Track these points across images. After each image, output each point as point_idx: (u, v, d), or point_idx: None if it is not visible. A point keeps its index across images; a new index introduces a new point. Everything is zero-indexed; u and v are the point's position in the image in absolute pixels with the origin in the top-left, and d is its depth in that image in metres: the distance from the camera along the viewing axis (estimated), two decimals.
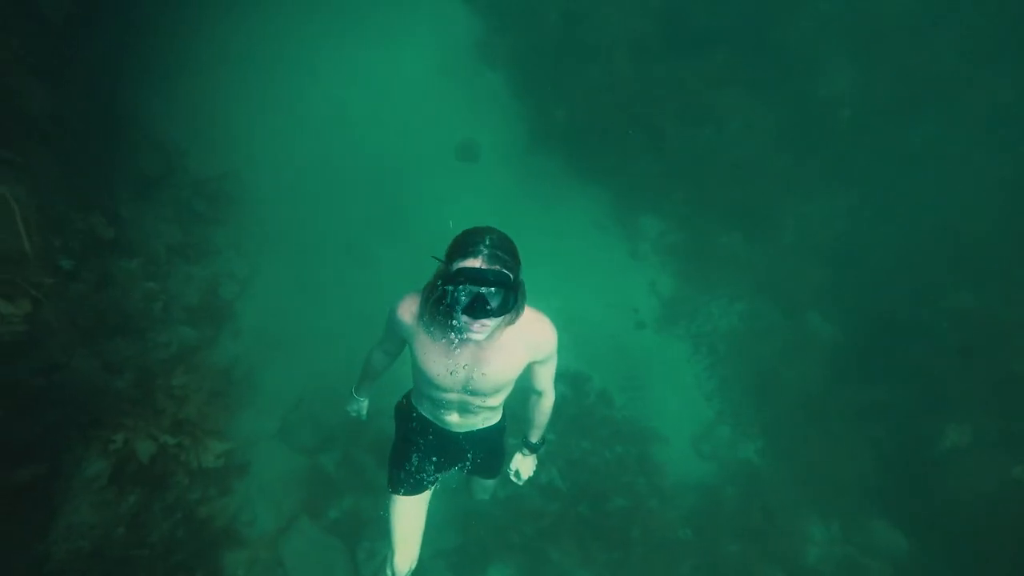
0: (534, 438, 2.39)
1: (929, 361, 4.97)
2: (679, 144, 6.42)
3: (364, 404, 2.62)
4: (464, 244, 1.65)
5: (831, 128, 6.39)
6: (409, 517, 2.34)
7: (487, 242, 1.63)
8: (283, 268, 4.97)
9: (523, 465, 2.49)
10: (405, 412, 2.32)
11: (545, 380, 2.15)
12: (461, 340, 1.83)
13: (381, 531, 2.34)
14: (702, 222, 6.54)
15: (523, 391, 2.24)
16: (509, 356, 1.91)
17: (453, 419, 2.17)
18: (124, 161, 3.92)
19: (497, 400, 2.11)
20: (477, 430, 2.26)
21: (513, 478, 2.52)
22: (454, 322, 1.75)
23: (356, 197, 5.55)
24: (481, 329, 1.71)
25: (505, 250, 1.65)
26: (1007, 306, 4.84)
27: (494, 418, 2.28)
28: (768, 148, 6.40)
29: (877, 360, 5.37)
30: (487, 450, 2.36)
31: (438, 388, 2.00)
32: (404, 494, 2.32)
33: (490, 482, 2.72)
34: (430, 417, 2.24)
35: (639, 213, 6.72)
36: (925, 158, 6.00)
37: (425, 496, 2.39)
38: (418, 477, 2.33)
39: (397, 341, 2.14)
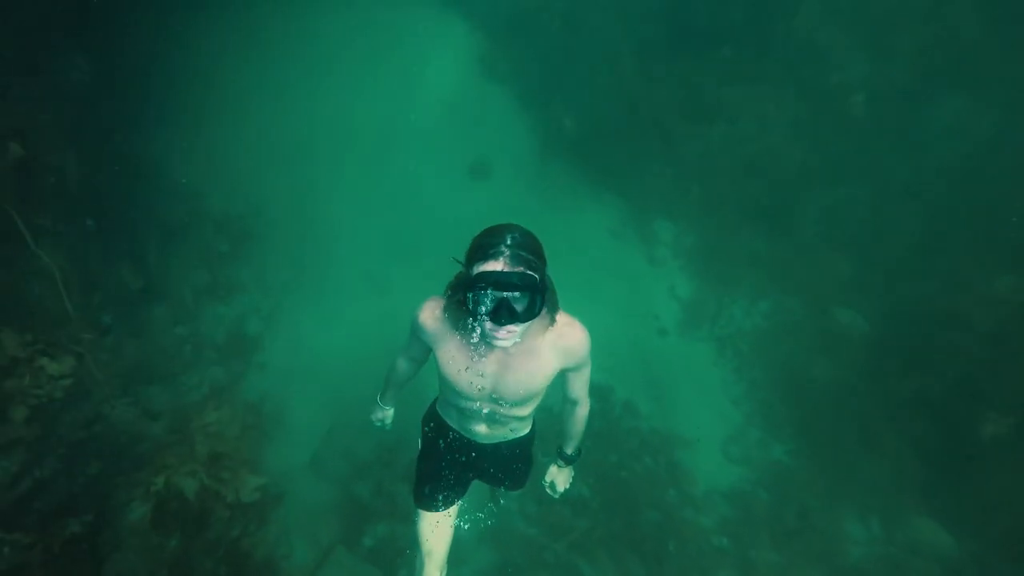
0: (569, 449, 2.27)
1: (964, 351, 4.80)
2: (690, 144, 6.34)
3: (389, 413, 2.52)
4: (484, 246, 1.52)
5: (846, 116, 6.22)
6: (436, 532, 2.23)
7: (508, 241, 1.51)
8: (305, 299, 5.07)
9: (559, 477, 2.38)
10: (431, 422, 2.24)
11: (579, 388, 2.04)
12: (487, 346, 1.71)
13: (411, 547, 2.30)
14: (719, 222, 6.44)
15: (555, 401, 2.15)
16: (539, 363, 1.79)
17: (480, 430, 2.06)
18: (149, 212, 4.07)
19: (526, 410, 1.99)
20: (505, 441, 2.15)
21: (548, 491, 2.41)
22: (478, 328, 1.63)
23: (372, 224, 5.64)
24: (507, 336, 1.59)
25: (529, 249, 1.52)
26: None
27: (523, 429, 2.17)
28: (782, 142, 6.27)
29: (910, 352, 5.20)
30: (515, 462, 2.25)
31: (464, 397, 1.90)
32: (430, 509, 2.21)
33: (515, 493, 2.56)
34: (456, 427, 2.15)
35: (654, 217, 6.65)
36: (948, 138, 5.78)
37: (452, 511, 2.28)
38: (445, 492, 2.23)
39: (421, 348, 2.03)
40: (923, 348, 5.16)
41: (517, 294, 1.52)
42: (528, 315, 1.55)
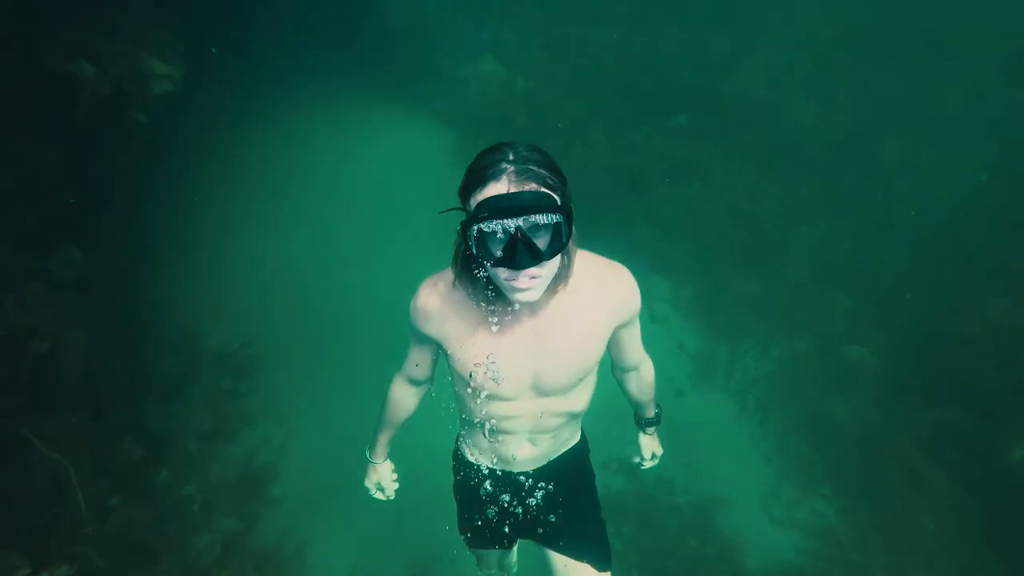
0: (650, 412, 1.91)
1: (978, 374, 4.77)
2: (670, 204, 6.55)
3: (386, 469, 1.97)
4: (481, 168, 1.15)
5: (809, 158, 6.52)
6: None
7: (511, 156, 1.13)
8: (317, 422, 4.93)
9: (653, 445, 2.02)
10: (459, 472, 1.79)
11: (636, 349, 1.66)
12: (511, 312, 1.32)
13: None
14: (712, 271, 6.54)
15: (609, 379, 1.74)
16: (585, 322, 1.37)
17: (523, 452, 1.60)
18: (149, 371, 4.02)
19: (580, 400, 1.55)
20: (556, 459, 1.70)
21: (650, 461, 2.04)
22: (492, 289, 1.26)
23: (374, 331, 5.61)
24: (531, 283, 1.19)
25: (539, 162, 1.15)
26: None
27: (573, 435, 1.74)
28: (757, 187, 6.51)
29: (927, 379, 5.16)
30: (572, 489, 1.74)
31: (494, 399, 1.45)
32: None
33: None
34: (488, 463, 1.68)
35: (647, 276, 6.74)
36: (902, 172, 6.07)
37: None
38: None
39: (428, 351, 1.61)
40: (936, 374, 5.12)
41: (534, 221, 1.11)
42: (553, 249, 1.15)
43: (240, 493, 4.28)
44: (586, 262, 1.37)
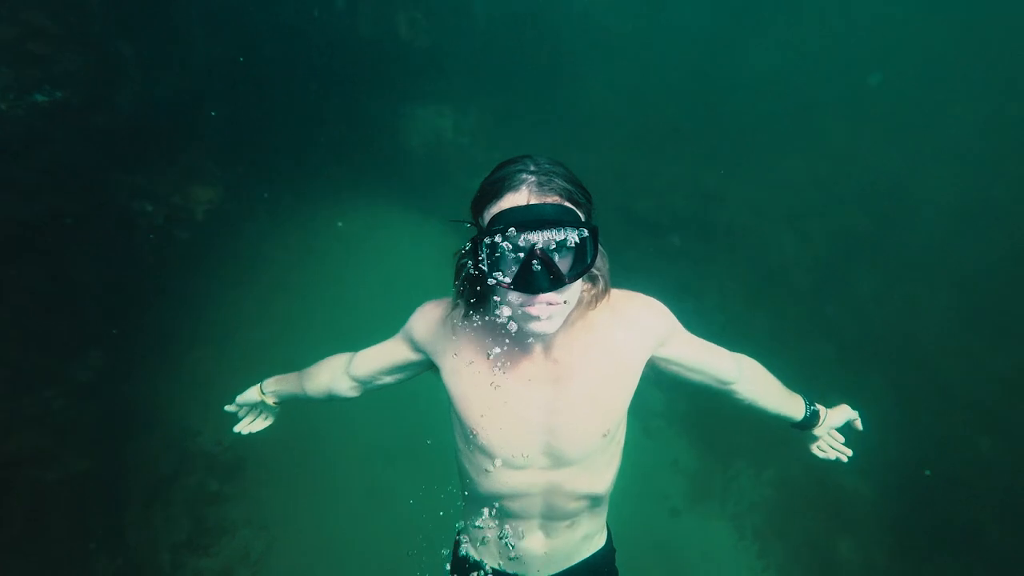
0: (798, 408, 1.52)
1: (976, 518, 4.78)
2: None
3: (268, 407, 1.66)
4: (498, 179, 1.01)
5: (791, 285, 6.97)
6: None
7: (532, 168, 1.00)
8: (302, 529, 4.67)
9: (836, 416, 1.58)
10: (453, 566, 1.48)
11: (711, 355, 1.38)
12: (521, 345, 1.12)
13: None
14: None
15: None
16: (609, 357, 1.17)
17: (535, 545, 1.30)
18: (136, 474, 3.87)
19: (601, 477, 1.26)
20: (576, 567, 1.37)
21: (840, 454, 1.61)
22: (500, 314, 1.05)
23: (369, 436, 5.51)
24: (548, 311, 1.02)
25: (564, 175, 1.02)
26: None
27: (597, 533, 1.41)
28: (744, 310, 6.86)
29: (925, 521, 5.10)
30: None
31: (494, 460, 1.17)
32: None
33: None
34: (493, 562, 1.37)
35: (641, 388, 6.82)
36: (877, 304, 6.48)
37: None
38: None
39: (392, 360, 1.39)
40: (932, 518, 5.09)
41: (555, 239, 0.97)
42: (575, 272, 1.00)
43: None
44: (606, 297, 1.22)
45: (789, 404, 1.54)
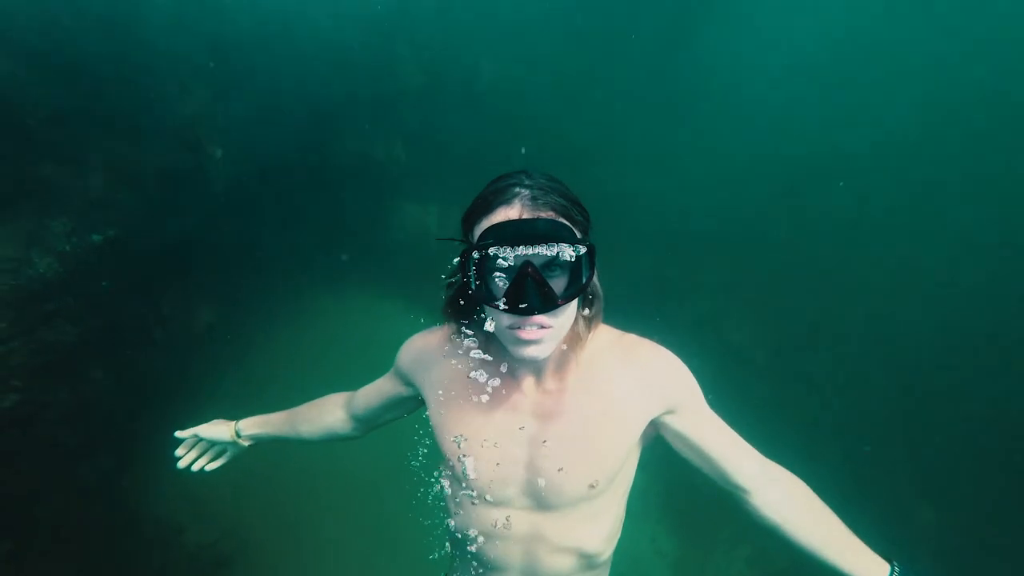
0: (858, 564, 1.13)
1: None
2: None
3: (233, 447, 1.55)
4: (490, 194, 0.98)
5: (753, 365, 7.54)
6: None
7: (526, 181, 0.97)
8: None
9: None
10: None
11: (729, 447, 1.19)
12: (510, 373, 1.06)
13: None
14: (679, 468, 6.91)
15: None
16: (606, 401, 1.07)
17: None
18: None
19: (593, 532, 1.13)
20: None
21: None
22: (491, 330, 0.98)
23: (369, 521, 5.49)
24: (540, 335, 0.96)
25: (559, 191, 0.98)
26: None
27: None
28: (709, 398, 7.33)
29: None
30: None
31: (472, 492, 1.08)
32: None
33: None
34: None
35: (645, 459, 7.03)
36: (848, 385, 7.07)
37: None
38: None
39: (391, 393, 1.37)
40: None
41: (548, 255, 0.92)
42: (569, 293, 0.95)
43: None
44: (611, 334, 1.15)
45: (846, 555, 1.16)
